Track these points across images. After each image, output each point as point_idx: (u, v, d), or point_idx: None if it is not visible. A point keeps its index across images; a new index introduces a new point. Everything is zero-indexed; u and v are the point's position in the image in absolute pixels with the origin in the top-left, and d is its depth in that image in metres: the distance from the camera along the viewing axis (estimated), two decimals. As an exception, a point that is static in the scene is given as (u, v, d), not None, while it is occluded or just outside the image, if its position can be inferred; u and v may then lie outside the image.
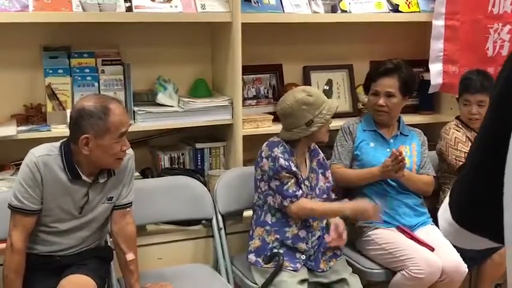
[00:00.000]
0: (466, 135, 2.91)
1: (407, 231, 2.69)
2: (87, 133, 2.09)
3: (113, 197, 2.29)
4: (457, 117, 3.02)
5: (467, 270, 2.62)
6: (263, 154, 2.52)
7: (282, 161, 2.46)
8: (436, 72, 3.24)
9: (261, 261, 2.50)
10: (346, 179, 2.78)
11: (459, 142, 2.88)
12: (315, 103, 2.47)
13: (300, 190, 2.49)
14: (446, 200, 0.98)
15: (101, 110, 2.09)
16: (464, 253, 2.60)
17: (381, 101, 2.77)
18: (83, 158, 2.15)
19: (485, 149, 0.89)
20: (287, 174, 2.46)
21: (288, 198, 2.46)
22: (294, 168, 2.47)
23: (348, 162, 2.80)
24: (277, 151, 2.48)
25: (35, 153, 2.16)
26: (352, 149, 2.81)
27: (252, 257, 2.53)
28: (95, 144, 2.10)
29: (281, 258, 2.44)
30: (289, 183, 2.47)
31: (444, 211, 0.98)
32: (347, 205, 2.58)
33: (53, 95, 2.71)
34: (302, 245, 2.51)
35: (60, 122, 2.69)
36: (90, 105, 2.10)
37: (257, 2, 2.95)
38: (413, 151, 2.86)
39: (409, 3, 3.28)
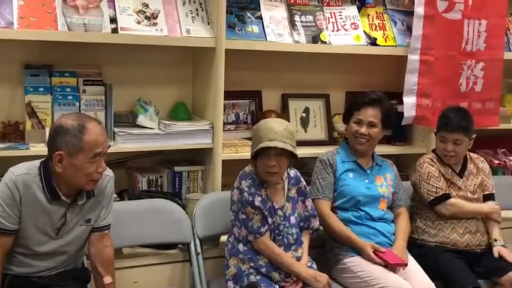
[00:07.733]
0: (440, 171, 2.97)
1: (379, 254, 2.69)
2: (60, 150, 2.08)
3: (90, 219, 2.27)
4: (434, 150, 3.08)
5: None
6: (235, 184, 2.56)
7: (246, 196, 2.50)
8: (409, 105, 3.32)
9: (238, 288, 2.50)
10: (328, 226, 2.77)
11: (432, 177, 2.95)
12: (254, 137, 2.53)
13: (266, 226, 2.51)
14: None
15: (76, 128, 2.08)
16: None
17: (363, 130, 2.82)
18: (60, 177, 2.13)
19: None
20: (252, 210, 2.50)
21: (252, 234, 2.51)
22: (257, 203, 2.50)
23: (332, 196, 2.82)
24: (244, 184, 2.52)
25: (15, 172, 2.13)
26: (334, 181, 2.83)
27: (230, 284, 2.53)
28: (68, 163, 2.09)
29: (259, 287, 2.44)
30: (254, 220, 2.50)
31: None
32: (307, 271, 2.52)
33: (32, 113, 2.68)
34: (275, 275, 2.52)
35: (39, 140, 2.66)
36: (68, 123, 2.09)
37: (241, 29, 3.00)
38: (388, 181, 2.92)
39: (386, 37, 3.38)
